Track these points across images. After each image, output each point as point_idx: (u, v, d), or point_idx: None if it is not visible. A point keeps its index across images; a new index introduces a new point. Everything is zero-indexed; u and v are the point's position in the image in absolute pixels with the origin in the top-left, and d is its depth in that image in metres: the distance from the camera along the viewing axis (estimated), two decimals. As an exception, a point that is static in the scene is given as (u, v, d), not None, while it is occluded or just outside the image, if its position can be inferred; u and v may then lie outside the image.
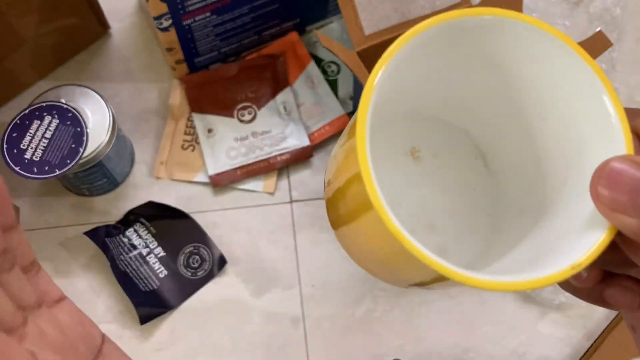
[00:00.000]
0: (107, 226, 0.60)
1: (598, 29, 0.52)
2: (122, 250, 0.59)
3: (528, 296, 0.59)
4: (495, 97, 0.31)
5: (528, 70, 0.29)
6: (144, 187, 0.63)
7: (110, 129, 0.57)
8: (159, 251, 0.60)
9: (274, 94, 0.66)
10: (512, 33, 0.27)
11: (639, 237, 0.20)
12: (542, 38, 0.27)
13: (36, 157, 0.54)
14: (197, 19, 0.60)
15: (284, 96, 0.65)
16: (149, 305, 0.57)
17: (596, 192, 0.20)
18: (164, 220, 0.61)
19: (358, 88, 0.61)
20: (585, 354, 0.56)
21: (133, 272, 0.58)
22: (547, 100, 0.29)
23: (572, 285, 0.26)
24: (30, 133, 0.54)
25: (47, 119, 0.55)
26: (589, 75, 0.26)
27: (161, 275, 0.59)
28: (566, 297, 0.57)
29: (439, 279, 0.26)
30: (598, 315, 0.58)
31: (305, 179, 0.64)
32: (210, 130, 0.64)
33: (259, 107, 0.65)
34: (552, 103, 0.29)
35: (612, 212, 0.20)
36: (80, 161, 0.54)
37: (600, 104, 0.25)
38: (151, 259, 0.59)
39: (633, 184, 0.20)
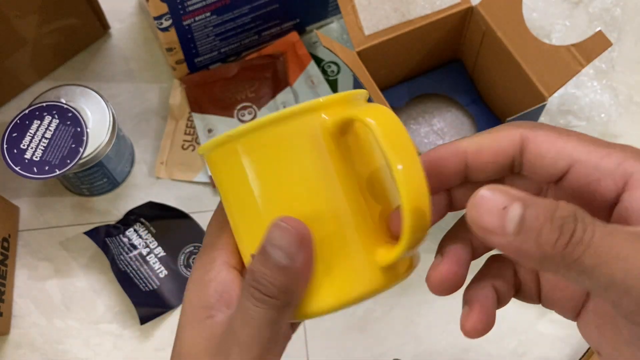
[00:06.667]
0: (107, 226, 0.60)
1: (598, 29, 0.52)
2: (122, 250, 0.59)
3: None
4: None
5: None
6: (144, 187, 0.63)
7: (110, 129, 0.57)
8: (159, 251, 0.60)
9: (274, 94, 0.66)
10: None
11: (510, 253, 0.23)
12: None
13: (36, 157, 0.54)
14: (197, 19, 0.60)
15: (284, 96, 0.65)
16: (149, 305, 0.57)
17: (470, 218, 0.24)
18: (164, 220, 0.61)
19: (358, 88, 0.61)
20: (585, 354, 0.56)
21: (133, 272, 0.58)
22: None
23: None
24: (30, 133, 0.54)
25: (47, 119, 0.55)
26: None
27: (161, 275, 0.59)
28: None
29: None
30: (598, 315, 0.58)
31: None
32: (210, 130, 0.64)
33: (259, 107, 0.65)
34: None
35: (486, 234, 0.23)
36: (80, 161, 0.54)
37: None
38: (151, 259, 0.59)
39: (493, 209, 0.23)
